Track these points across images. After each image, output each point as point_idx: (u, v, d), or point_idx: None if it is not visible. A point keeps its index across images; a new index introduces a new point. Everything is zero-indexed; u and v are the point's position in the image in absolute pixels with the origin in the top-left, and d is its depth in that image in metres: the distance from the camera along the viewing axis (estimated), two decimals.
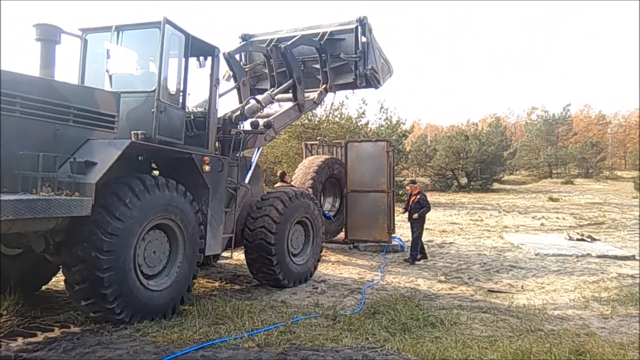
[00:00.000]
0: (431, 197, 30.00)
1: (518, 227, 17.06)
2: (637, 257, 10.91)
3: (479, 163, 35.51)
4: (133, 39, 6.46)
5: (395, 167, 26.62)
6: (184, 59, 6.59)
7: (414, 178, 11.15)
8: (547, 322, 6.07)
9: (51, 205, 4.53)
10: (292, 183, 10.87)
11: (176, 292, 5.93)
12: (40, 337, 5.04)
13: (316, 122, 24.47)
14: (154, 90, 6.06)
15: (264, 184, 11.00)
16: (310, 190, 10.72)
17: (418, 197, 10.71)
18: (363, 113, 26.18)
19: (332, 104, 25.12)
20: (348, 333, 5.29)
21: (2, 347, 4.67)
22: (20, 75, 4.99)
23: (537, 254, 11.39)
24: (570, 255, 11.11)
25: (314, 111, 23.36)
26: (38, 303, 6.21)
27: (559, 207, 24.55)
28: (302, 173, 11.77)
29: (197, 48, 6.82)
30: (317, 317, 5.99)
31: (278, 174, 10.65)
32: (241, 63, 9.68)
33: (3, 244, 6.04)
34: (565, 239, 13.89)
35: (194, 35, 6.66)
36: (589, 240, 13.45)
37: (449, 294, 7.74)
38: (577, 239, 13.57)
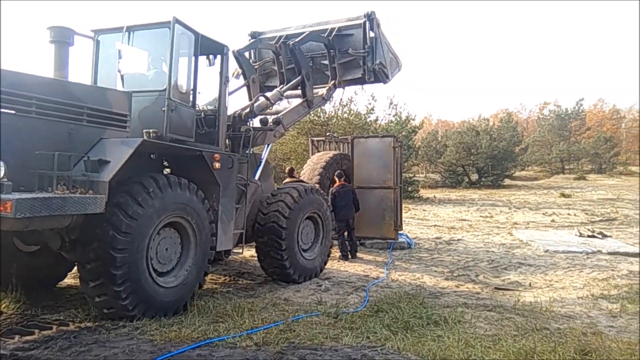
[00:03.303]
0: (441, 194, 30.28)
1: (528, 224, 16.98)
2: None
3: (490, 159, 35.25)
4: (144, 39, 6.56)
5: (405, 164, 26.75)
6: (193, 58, 6.68)
7: (340, 171, 11.06)
8: (553, 320, 6.04)
9: (66, 203, 4.65)
10: (300, 178, 10.95)
11: (186, 290, 6.02)
12: (37, 335, 5.05)
13: (325, 119, 24.52)
14: (165, 90, 6.16)
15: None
16: (317, 185, 10.81)
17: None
18: (372, 109, 26.22)
19: (340, 100, 25.18)
20: (349, 331, 5.27)
21: None
22: (36, 77, 5.13)
23: (546, 251, 11.35)
24: (580, 252, 11.06)
25: (322, 107, 23.44)
26: (40, 301, 6.26)
27: (570, 203, 24.36)
28: (310, 169, 11.85)
29: (206, 47, 6.91)
30: (319, 315, 5.97)
31: (286, 170, 10.75)
32: (250, 61, 9.78)
33: (21, 241, 6.21)
34: (576, 235, 13.77)
35: (204, 34, 6.74)
36: (600, 236, 13.35)
37: (455, 291, 7.75)
38: (588, 236, 13.47)
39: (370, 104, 26.55)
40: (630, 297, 7.18)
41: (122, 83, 6.66)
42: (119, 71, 6.62)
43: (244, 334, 5.09)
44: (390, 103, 27.70)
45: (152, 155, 6.51)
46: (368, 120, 25.92)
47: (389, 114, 27.80)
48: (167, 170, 7.06)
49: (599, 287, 7.99)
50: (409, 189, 25.77)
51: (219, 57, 7.26)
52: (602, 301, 7.09)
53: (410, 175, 28.99)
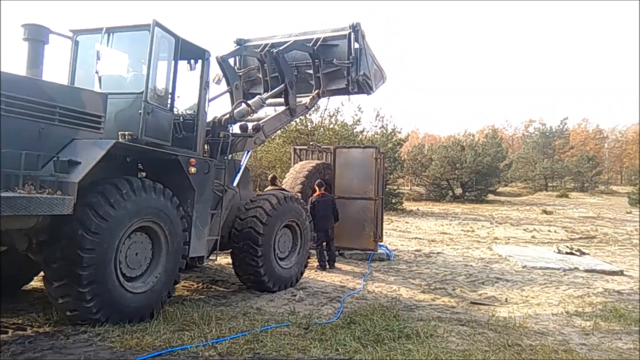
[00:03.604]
0: (425, 207, 30.41)
1: (509, 239, 17.06)
2: (626, 273, 10.93)
3: (475, 174, 35.55)
4: (123, 41, 6.51)
5: (390, 176, 26.82)
6: (173, 62, 6.62)
7: (320, 180, 11.05)
8: (526, 336, 6.01)
9: (31, 203, 4.53)
10: (282, 187, 10.89)
11: (154, 297, 5.90)
12: None
13: (311, 128, 24.52)
14: (142, 92, 6.09)
15: (255, 188, 11.01)
16: (299, 195, 10.75)
17: None
18: (358, 120, 26.27)
19: (326, 109, 25.24)
20: (318, 343, 5.17)
21: None
22: (5, 74, 4.99)
23: (524, 267, 11.37)
24: (558, 269, 11.09)
25: (308, 117, 23.48)
26: (0, 303, 6.07)
27: (552, 220, 24.57)
28: (292, 177, 11.79)
29: (187, 51, 6.86)
30: (290, 325, 5.86)
31: (269, 178, 10.69)
32: (235, 67, 9.75)
33: None
34: (554, 252, 13.84)
35: (184, 38, 6.69)
36: (578, 254, 13.42)
37: (430, 304, 7.70)
38: (566, 253, 13.52)
39: (356, 115, 26.60)
40: (604, 315, 7.20)
41: (100, 84, 6.57)
42: (97, 72, 6.54)
43: (208, 343, 4.96)
44: (377, 115, 27.81)
45: (127, 158, 6.41)
46: (354, 131, 25.96)
47: (375, 126, 27.90)
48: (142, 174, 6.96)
49: (574, 304, 8.00)
50: (393, 200, 25.82)
51: (199, 61, 7.21)
52: (576, 318, 7.09)
53: (395, 187, 29.07)
